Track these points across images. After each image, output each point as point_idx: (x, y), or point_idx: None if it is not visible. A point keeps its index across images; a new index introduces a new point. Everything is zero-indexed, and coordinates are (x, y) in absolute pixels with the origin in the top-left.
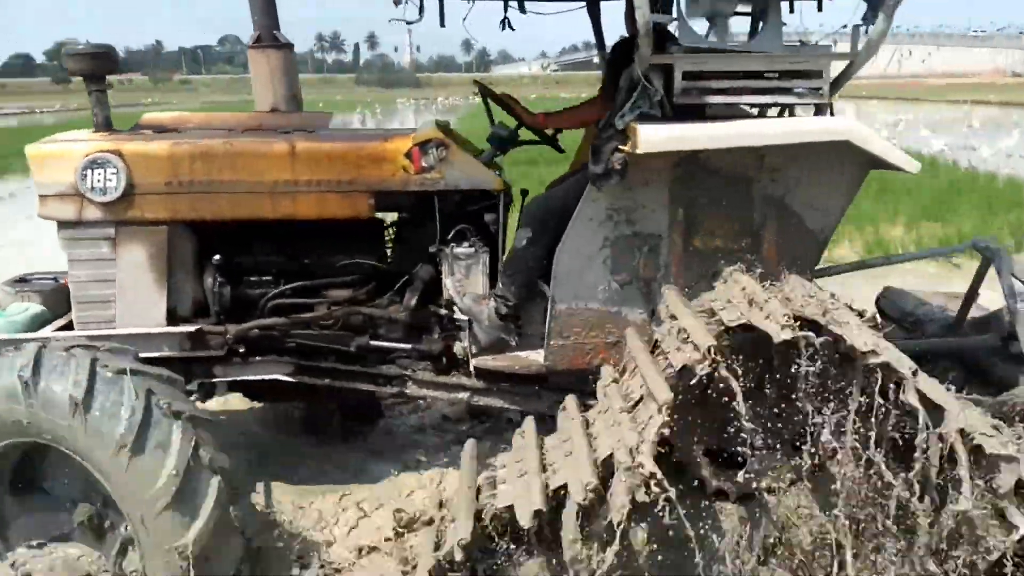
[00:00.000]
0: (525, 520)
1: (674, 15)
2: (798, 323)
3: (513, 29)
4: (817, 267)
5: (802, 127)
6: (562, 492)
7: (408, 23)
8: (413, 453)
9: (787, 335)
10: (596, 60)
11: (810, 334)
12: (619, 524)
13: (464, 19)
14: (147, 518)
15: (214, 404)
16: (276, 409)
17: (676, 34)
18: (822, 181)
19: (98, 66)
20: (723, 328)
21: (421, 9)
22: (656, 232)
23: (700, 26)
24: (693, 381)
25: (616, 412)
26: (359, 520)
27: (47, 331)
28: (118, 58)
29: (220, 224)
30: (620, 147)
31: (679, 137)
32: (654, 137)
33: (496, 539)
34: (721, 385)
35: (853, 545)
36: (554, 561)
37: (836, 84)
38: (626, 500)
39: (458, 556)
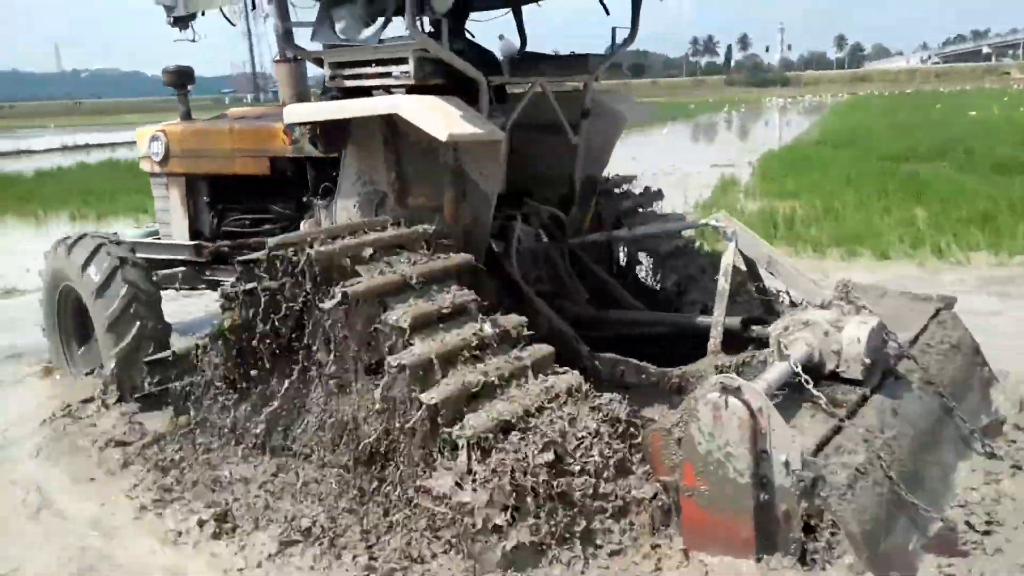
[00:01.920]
0: None
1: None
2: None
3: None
4: (577, 239)
5: (368, 103)
6: None
7: (191, 41)
8: None
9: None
10: (985, 51)
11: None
12: None
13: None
14: (102, 335)
15: None
16: None
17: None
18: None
19: (178, 79)
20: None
21: (183, 20)
22: (382, 189)
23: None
24: None
25: None
26: None
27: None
28: (193, 74)
29: (210, 177)
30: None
31: (301, 112)
32: (291, 112)
33: None
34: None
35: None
36: None
37: (604, 66)
38: None
39: None
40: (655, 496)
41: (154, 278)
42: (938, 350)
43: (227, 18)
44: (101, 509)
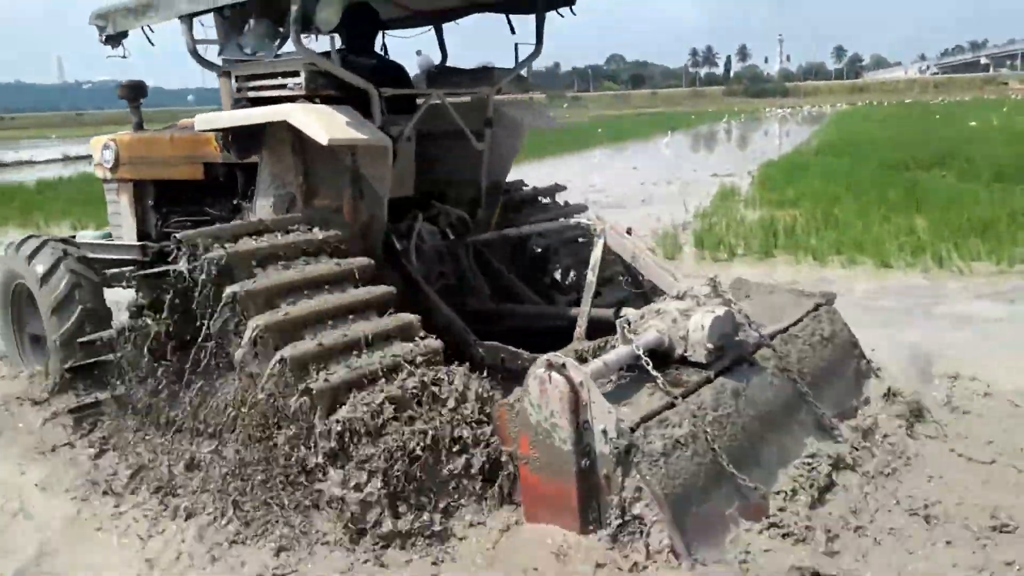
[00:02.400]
0: None
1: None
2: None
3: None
4: (479, 236)
5: (261, 111)
6: None
7: (122, 57)
8: None
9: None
10: (983, 61)
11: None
12: None
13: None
14: (47, 320)
15: None
16: None
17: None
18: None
19: (130, 92)
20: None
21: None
22: (292, 192)
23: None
24: None
25: None
26: None
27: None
28: (145, 87)
29: (155, 182)
30: None
31: (205, 120)
32: (200, 120)
33: None
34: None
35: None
36: None
37: (506, 79)
38: None
39: None
40: (504, 466)
41: (103, 273)
42: (807, 341)
43: (148, 38)
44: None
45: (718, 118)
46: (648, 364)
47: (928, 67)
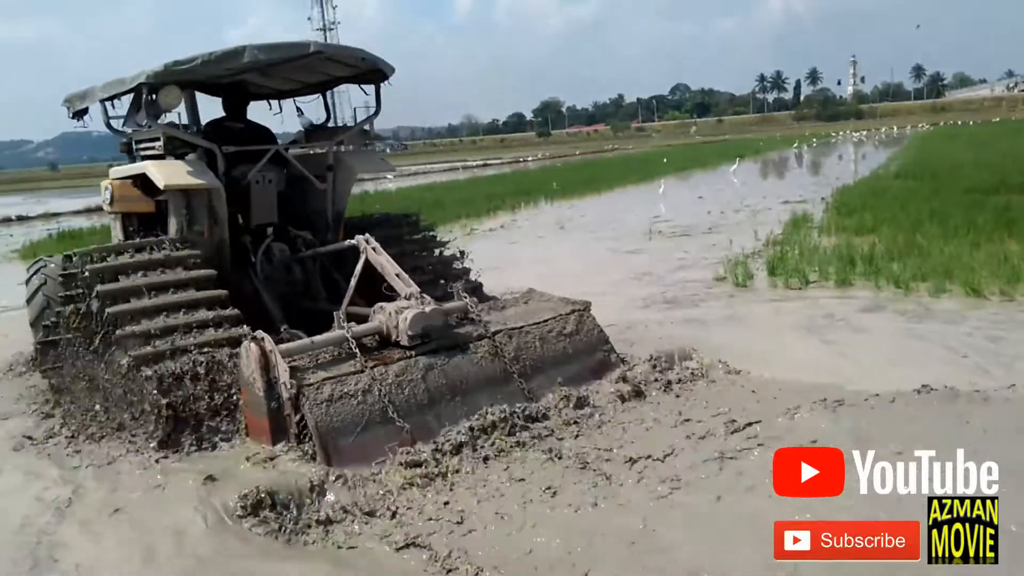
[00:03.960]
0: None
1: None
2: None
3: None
4: (307, 252)
5: (131, 167)
6: None
7: (84, 128)
8: None
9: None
10: None
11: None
12: None
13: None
14: (31, 328)
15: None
16: None
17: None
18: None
19: (127, 147)
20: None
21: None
22: (182, 221)
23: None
24: None
25: None
26: None
27: None
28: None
29: (133, 214)
30: None
31: (113, 171)
32: (111, 171)
33: None
34: None
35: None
36: None
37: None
38: None
39: None
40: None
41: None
42: (540, 336)
43: (89, 114)
44: None
45: (788, 144)
46: (353, 344)
47: (1016, 83)
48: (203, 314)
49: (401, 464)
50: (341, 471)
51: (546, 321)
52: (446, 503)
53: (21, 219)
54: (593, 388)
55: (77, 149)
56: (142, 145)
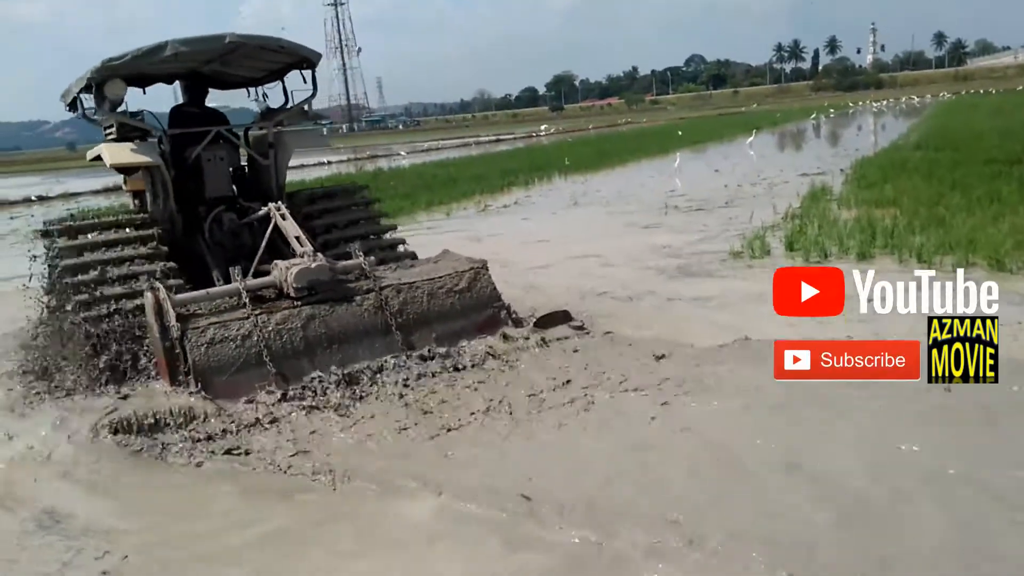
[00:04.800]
0: None
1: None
2: None
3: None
4: (250, 217)
5: (94, 149)
6: None
7: (80, 116)
8: None
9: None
10: None
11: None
12: None
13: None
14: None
15: None
16: None
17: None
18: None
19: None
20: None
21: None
22: (153, 193)
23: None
24: None
25: None
26: None
27: None
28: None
29: (140, 192)
30: None
31: (88, 152)
32: (88, 152)
33: None
34: None
35: None
36: None
37: (277, 120)
38: None
39: None
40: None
41: None
42: (429, 292)
43: (84, 110)
44: None
45: (806, 115)
46: (244, 295)
47: None
48: (137, 268)
49: (271, 398)
50: (215, 404)
51: (439, 278)
52: (312, 432)
53: (41, 199)
54: (474, 342)
55: (94, 130)
56: (106, 131)
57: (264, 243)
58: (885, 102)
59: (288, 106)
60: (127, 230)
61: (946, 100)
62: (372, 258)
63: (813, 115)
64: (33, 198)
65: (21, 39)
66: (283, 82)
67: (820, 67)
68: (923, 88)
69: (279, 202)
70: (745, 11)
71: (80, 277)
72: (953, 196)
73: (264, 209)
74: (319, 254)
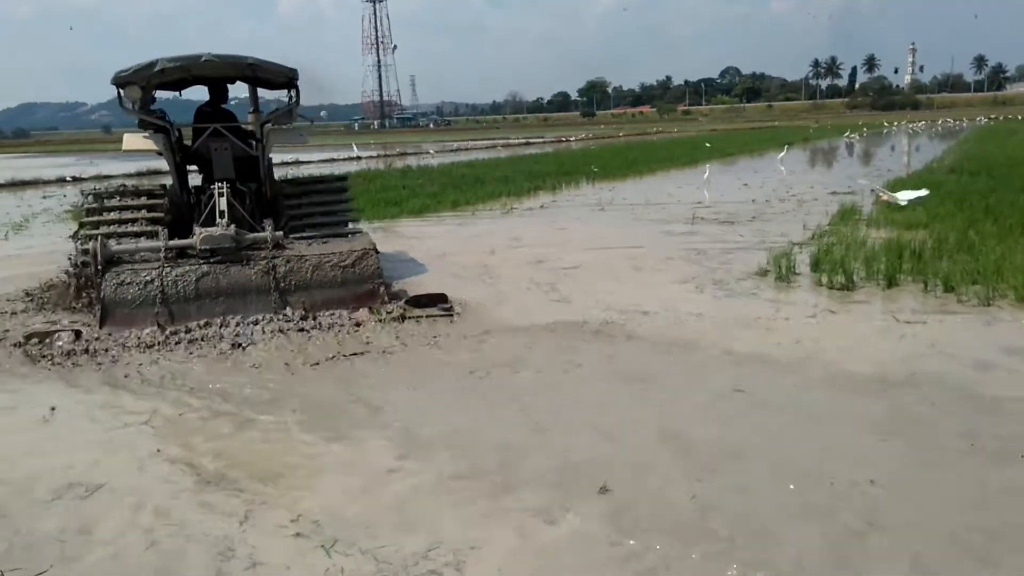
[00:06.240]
0: None
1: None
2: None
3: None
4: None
5: (124, 138)
6: None
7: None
8: None
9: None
10: None
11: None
12: None
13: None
14: None
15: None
16: None
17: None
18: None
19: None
20: None
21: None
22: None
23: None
24: None
25: None
26: None
27: None
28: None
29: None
30: None
31: (126, 140)
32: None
33: None
34: None
35: None
36: None
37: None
38: None
39: None
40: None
41: None
42: (316, 264)
43: (121, 103)
44: None
45: (840, 132)
46: (163, 251)
47: None
48: (134, 228)
49: (157, 331)
50: (113, 329)
51: (329, 254)
52: (188, 357)
53: (75, 180)
54: (343, 311)
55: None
56: (136, 123)
57: (205, 212)
58: (921, 123)
59: (276, 111)
60: (143, 198)
61: (983, 124)
62: (279, 233)
63: (847, 133)
64: (68, 178)
65: (60, 21)
66: (289, 89)
67: (856, 85)
68: (960, 111)
69: (238, 183)
70: (784, 25)
71: (88, 229)
72: (985, 223)
73: (212, 188)
74: (232, 226)
